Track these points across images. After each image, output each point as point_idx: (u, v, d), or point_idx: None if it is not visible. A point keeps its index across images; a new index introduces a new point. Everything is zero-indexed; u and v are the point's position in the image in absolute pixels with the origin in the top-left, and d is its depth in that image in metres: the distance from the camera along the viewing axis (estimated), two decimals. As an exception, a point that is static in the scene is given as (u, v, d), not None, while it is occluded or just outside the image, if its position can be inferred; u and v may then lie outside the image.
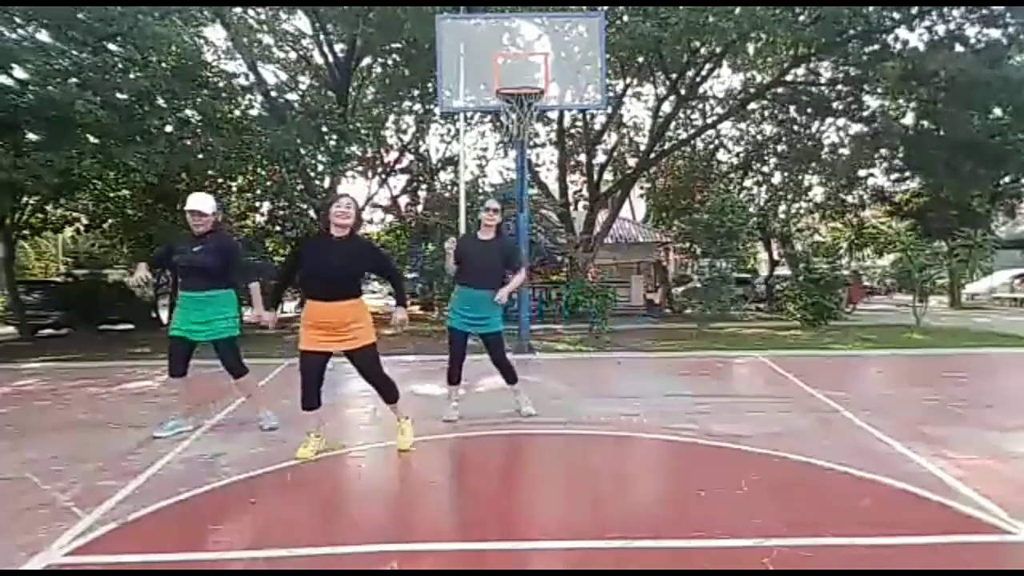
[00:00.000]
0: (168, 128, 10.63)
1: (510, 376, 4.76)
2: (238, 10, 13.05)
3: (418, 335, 11.06)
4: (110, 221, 15.40)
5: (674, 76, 16.19)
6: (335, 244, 3.70)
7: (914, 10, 14.19)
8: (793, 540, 2.58)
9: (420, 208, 17.90)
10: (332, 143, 13.84)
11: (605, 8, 11.95)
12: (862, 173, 20.00)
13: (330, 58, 14.46)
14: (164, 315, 17.03)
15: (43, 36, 9.28)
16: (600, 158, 19.51)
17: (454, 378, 4.74)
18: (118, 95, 9.37)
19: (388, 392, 4.00)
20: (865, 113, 17.87)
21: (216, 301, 4.30)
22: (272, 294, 4.20)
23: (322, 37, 14.18)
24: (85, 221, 15.84)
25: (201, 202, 4.32)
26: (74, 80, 8.67)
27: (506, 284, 4.63)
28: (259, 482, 3.45)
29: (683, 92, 16.81)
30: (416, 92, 16.12)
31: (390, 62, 15.16)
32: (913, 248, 12.67)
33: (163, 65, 10.12)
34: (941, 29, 15.01)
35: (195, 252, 4.26)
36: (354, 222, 3.74)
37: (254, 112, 13.64)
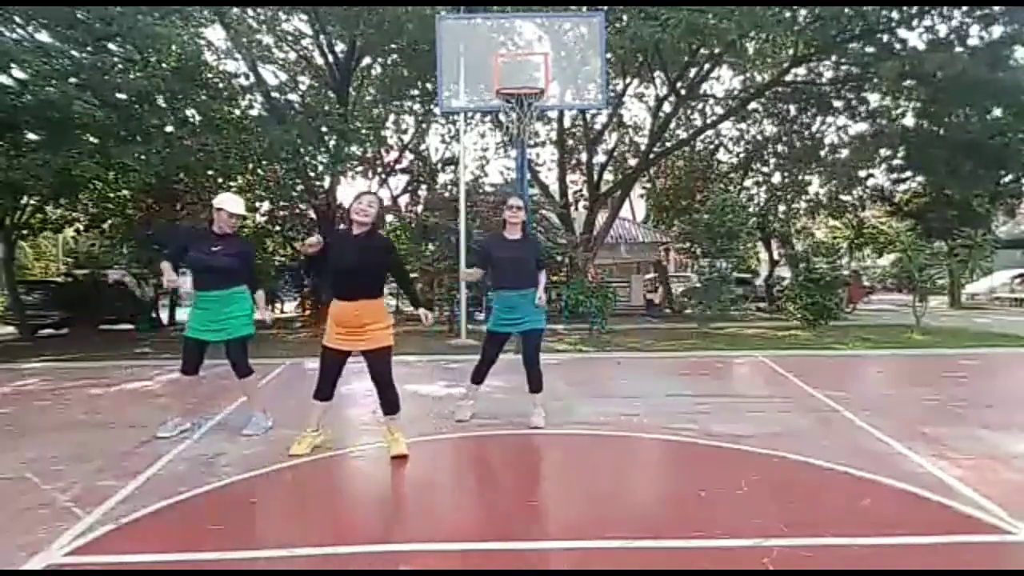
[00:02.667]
0: (168, 128, 10.63)
1: (536, 383, 4.56)
2: (238, 10, 13.04)
3: (414, 335, 11.05)
4: (110, 221, 15.41)
5: (674, 76, 16.19)
6: (353, 239, 3.75)
7: (914, 9, 14.18)
8: (793, 540, 2.58)
9: (420, 208, 17.89)
10: (332, 143, 13.83)
11: (605, 8, 11.96)
12: (862, 173, 19.99)
13: (330, 58, 14.45)
14: (164, 315, 17.07)
15: (43, 36, 9.27)
16: (600, 158, 19.50)
17: (479, 378, 4.67)
18: (117, 95, 9.37)
19: (391, 402, 3.91)
20: (864, 111, 17.87)
21: (232, 300, 4.32)
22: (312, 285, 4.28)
23: (322, 37, 14.17)
24: (85, 221, 15.84)
25: (240, 205, 4.42)
26: (73, 80, 8.66)
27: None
28: (259, 482, 3.45)
29: (683, 92, 16.81)
30: (416, 92, 16.11)
31: (390, 62, 15.16)
32: (913, 248, 12.67)
33: (163, 65, 10.12)
34: (941, 29, 15.02)
35: (215, 252, 4.26)
36: (375, 219, 3.78)
37: (254, 112, 13.64)
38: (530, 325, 4.47)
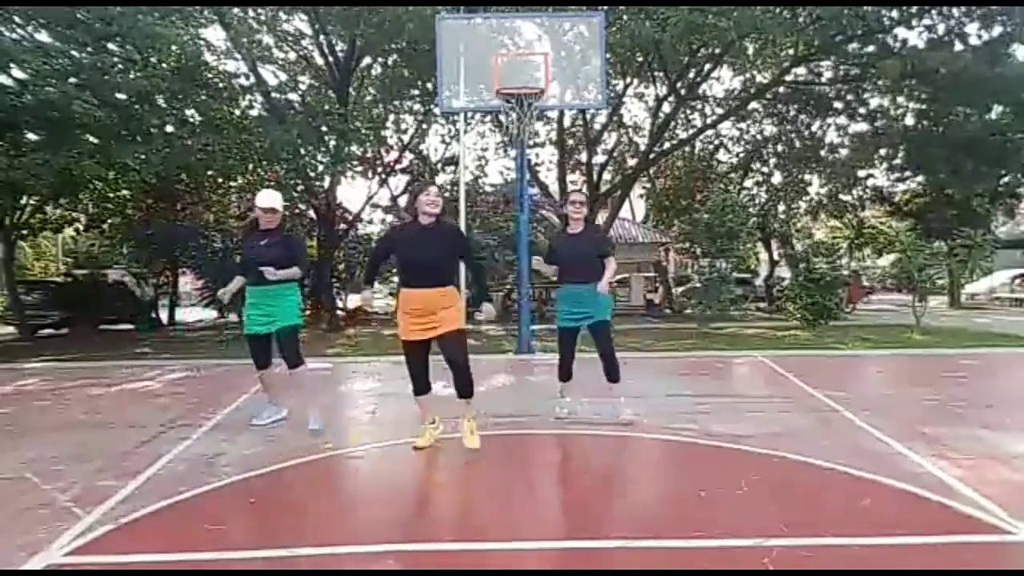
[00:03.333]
0: (168, 128, 10.63)
1: (614, 372, 4.61)
2: (238, 10, 13.04)
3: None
4: (110, 221, 15.41)
5: (674, 76, 16.19)
6: (425, 231, 3.80)
7: (913, 9, 14.19)
8: (793, 540, 2.57)
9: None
10: (332, 143, 13.83)
11: (605, 8, 11.96)
12: (862, 173, 20.00)
13: (330, 58, 14.44)
14: (164, 315, 17.07)
15: (43, 36, 9.27)
16: (600, 158, 19.50)
17: (565, 375, 4.71)
18: (117, 95, 9.36)
19: (465, 385, 3.93)
20: (863, 110, 17.87)
21: (282, 294, 4.39)
22: (364, 280, 4.35)
23: (322, 37, 14.16)
24: (85, 221, 15.84)
25: (275, 199, 4.48)
26: (73, 80, 8.66)
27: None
28: (259, 482, 3.45)
29: (683, 92, 16.81)
30: (416, 92, 16.10)
31: (390, 62, 15.15)
32: (913, 248, 12.67)
33: (163, 65, 10.12)
34: (941, 28, 15.01)
35: (264, 247, 4.34)
36: (442, 209, 3.85)
37: (254, 112, 13.64)
38: (596, 317, 4.51)
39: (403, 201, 19.66)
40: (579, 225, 4.65)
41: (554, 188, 18.68)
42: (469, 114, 14.65)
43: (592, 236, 4.75)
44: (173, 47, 10.09)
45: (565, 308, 4.60)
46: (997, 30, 14.68)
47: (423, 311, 3.77)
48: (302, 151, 12.61)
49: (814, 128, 19.27)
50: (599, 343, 4.58)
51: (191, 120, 11.21)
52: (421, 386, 3.96)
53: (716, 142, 20.54)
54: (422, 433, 4.00)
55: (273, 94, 14.30)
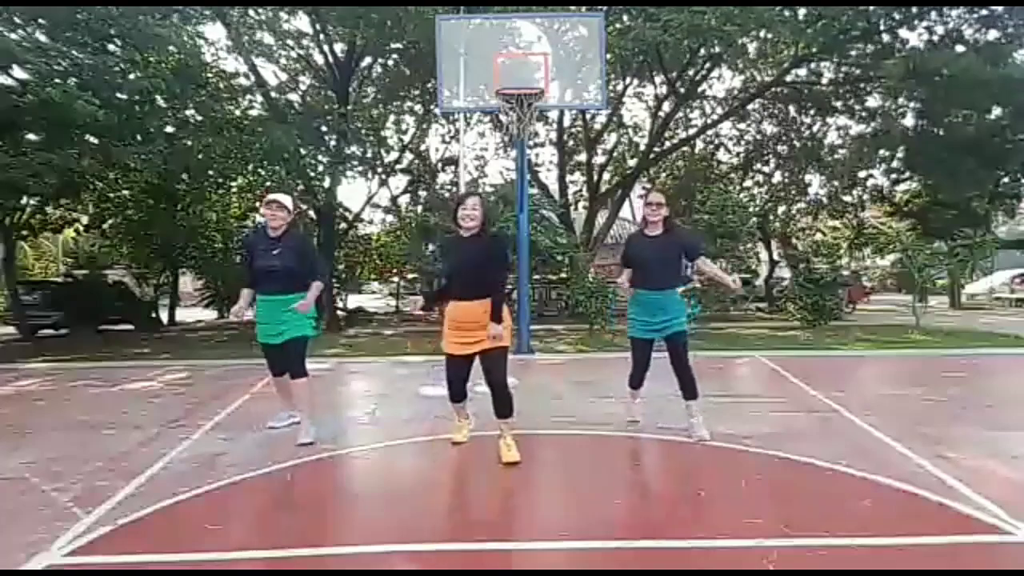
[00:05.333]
0: (168, 128, 10.63)
1: (691, 389, 4.24)
2: (238, 10, 13.04)
3: (413, 335, 11.05)
4: (110, 221, 15.41)
5: (674, 76, 16.19)
6: (464, 243, 3.77)
7: (914, 10, 14.19)
8: (793, 540, 2.57)
9: (420, 208, 17.89)
10: (332, 143, 13.83)
11: (605, 8, 11.96)
12: (862, 173, 20.00)
13: (330, 58, 14.45)
14: (164, 315, 17.08)
15: (43, 36, 9.28)
16: (600, 158, 19.50)
17: (636, 383, 4.50)
18: (118, 95, 9.37)
19: (504, 405, 3.85)
20: (864, 111, 17.86)
21: (292, 303, 4.07)
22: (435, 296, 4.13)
23: (322, 37, 14.18)
24: (85, 221, 15.84)
25: (283, 197, 4.19)
26: (74, 80, 8.67)
27: (688, 279, 4.26)
28: (259, 482, 3.45)
29: (683, 92, 16.81)
30: (416, 92, 16.12)
31: (390, 62, 15.16)
32: (913, 248, 12.67)
33: (163, 65, 10.13)
34: (940, 29, 15.02)
35: (275, 255, 4.08)
36: (481, 221, 3.75)
37: (254, 112, 13.65)
38: (671, 329, 4.19)
39: (403, 201, 19.72)
40: (658, 228, 4.24)
41: (554, 188, 18.69)
42: (469, 114, 14.67)
43: (675, 238, 4.27)
44: (173, 48, 10.10)
45: (637, 316, 4.26)
46: (998, 32, 14.70)
47: (465, 324, 3.71)
48: (302, 151, 12.62)
49: (814, 128, 19.28)
50: (674, 359, 4.24)
51: (191, 120, 11.21)
52: (458, 396, 3.99)
53: (716, 142, 20.55)
54: (458, 429, 4.13)
55: (273, 94, 14.31)
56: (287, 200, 4.20)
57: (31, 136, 9.26)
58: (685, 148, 19.80)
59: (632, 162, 19.40)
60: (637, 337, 4.32)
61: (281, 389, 4.46)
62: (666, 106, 17.60)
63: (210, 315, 19.16)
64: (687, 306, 4.28)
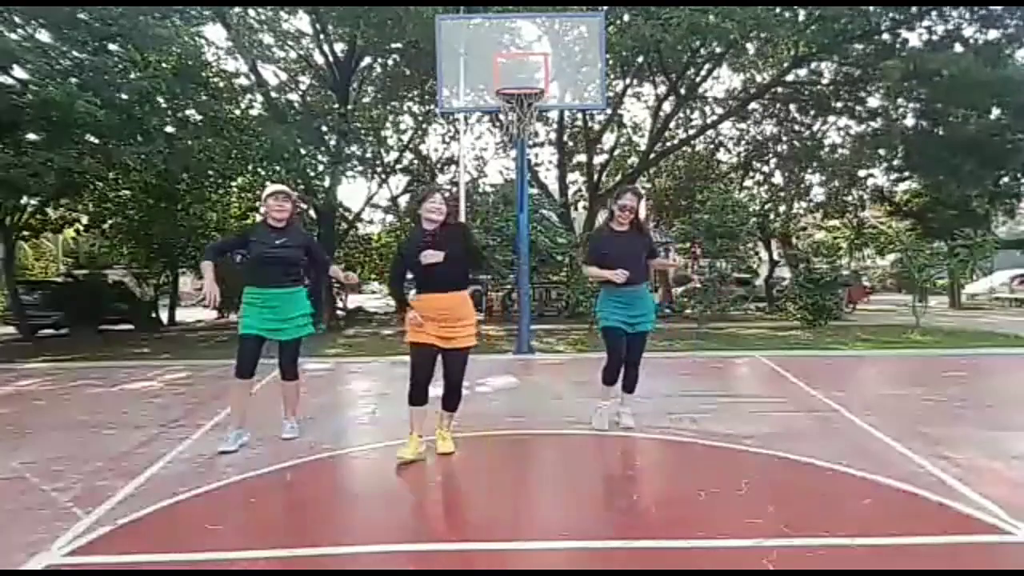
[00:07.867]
0: (168, 128, 10.63)
1: (633, 383, 4.48)
2: (238, 10, 13.05)
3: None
4: (110, 221, 15.41)
5: (674, 76, 16.19)
6: (430, 235, 3.70)
7: (913, 10, 14.19)
8: (793, 540, 2.57)
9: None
10: (332, 143, 13.83)
11: (605, 8, 11.96)
12: (862, 173, 20.00)
13: (330, 58, 14.46)
14: (164, 315, 17.08)
15: (43, 36, 9.28)
16: (600, 158, 19.49)
17: (612, 378, 4.44)
18: (119, 95, 9.37)
19: (456, 399, 3.91)
20: (864, 111, 17.85)
21: (294, 298, 4.15)
22: (392, 295, 4.12)
23: (322, 37, 14.18)
24: (85, 221, 15.84)
25: (288, 189, 4.23)
26: (74, 80, 8.68)
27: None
28: (258, 482, 3.45)
29: (683, 92, 16.81)
30: (416, 92, 16.12)
31: (390, 62, 15.16)
32: (913, 248, 12.66)
33: (163, 65, 10.13)
34: (940, 29, 15.02)
35: (279, 244, 4.06)
36: (448, 213, 3.75)
37: (254, 112, 13.65)
38: (643, 327, 4.35)
39: (403, 201, 19.73)
40: (626, 224, 4.42)
41: (554, 188, 18.69)
42: (469, 114, 14.67)
43: (640, 236, 4.46)
44: (173, 48, 10.10)
45: (614, 309, 4.32)
46: (998, 32, 14.70)
47: (443, 317, 3.69)
48: (302, 151, 12.62)
49: (814, 128, 19.28)
50: (633, 353, 4.38)
51: (191, 120, 11.21)
52: (420, 398, 3.80)
53: (716, 142, 20.55)
54: (412, 444, 3.75)
55: (273, 94, 14.31)
56: (292, 192, 4.27)
57: (31, 136, 9.26)
58: (685, 148, 19.79)
59: (632, 162, 19.40)
60: (614, 327, 4.32)
61: (241, 393, 4.14)
62: (666, 106, 17.60)
63: (210, 315, 19.15)
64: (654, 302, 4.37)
